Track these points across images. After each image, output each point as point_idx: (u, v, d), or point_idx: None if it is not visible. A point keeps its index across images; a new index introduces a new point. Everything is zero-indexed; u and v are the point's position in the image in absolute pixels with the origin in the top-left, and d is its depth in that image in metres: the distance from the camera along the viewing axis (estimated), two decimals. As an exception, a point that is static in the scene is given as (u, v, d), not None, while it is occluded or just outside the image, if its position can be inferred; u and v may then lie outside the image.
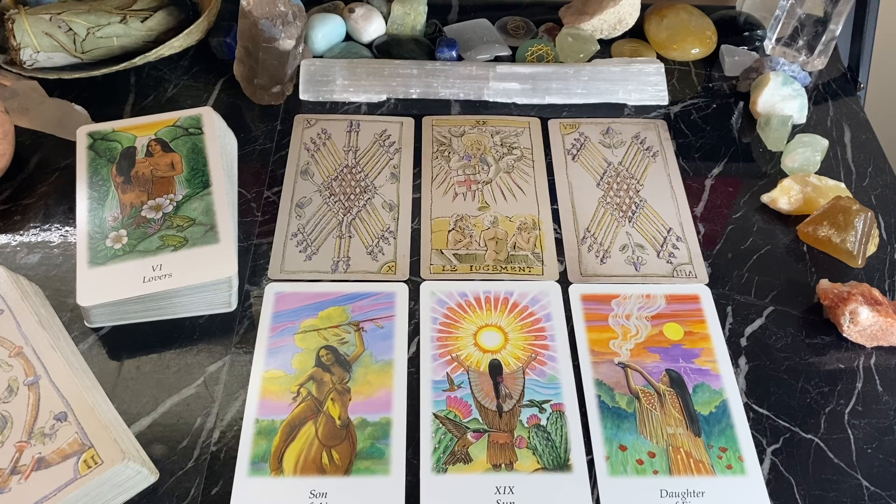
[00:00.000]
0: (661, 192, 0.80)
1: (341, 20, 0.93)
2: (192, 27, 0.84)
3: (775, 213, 0.78)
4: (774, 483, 0.60)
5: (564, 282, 0.72)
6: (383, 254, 0.73)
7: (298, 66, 0.87)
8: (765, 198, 0.79)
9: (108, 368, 0.64)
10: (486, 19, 0.97)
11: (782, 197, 0.77)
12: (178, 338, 0.66)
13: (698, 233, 0.76)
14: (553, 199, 0.79)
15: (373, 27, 0.93)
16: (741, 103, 0.90)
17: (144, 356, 0.65)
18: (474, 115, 0.87)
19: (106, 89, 0.87)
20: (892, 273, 0.74)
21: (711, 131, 0.87)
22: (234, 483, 0.58)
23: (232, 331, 0.67)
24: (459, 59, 0.92)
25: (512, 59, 0.93)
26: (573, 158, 0.83)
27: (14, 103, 0.80)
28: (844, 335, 0.68)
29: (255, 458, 0.59)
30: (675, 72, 0.93)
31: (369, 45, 0.94)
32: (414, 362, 0.66)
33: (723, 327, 0.69)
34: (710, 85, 0.92)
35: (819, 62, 0.92)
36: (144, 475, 0.56)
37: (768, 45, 0.93)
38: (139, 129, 0.73)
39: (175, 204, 0.68)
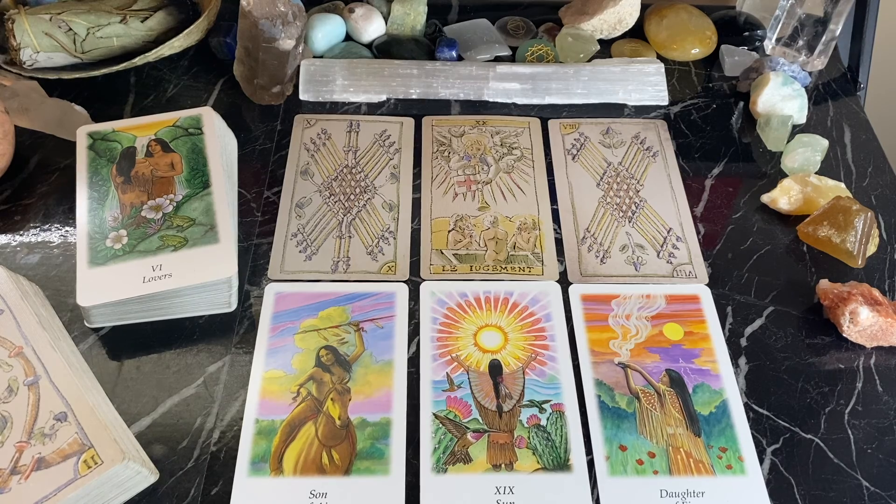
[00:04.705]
0: (661, 192, 0.80)
1: (341, 20, 0.93)
2: (192, 27, 0.84)
3: (775, 213, 0.78)
4: (774, 483, 0.60)
5: (564, 282, 0.72)
6: (383, 254, 0.73)
7: (298, 66, 0.87)
8: (765, 198, 0.79)
9: (108, 368, 0.64)
10: (486, 19, 0.97)
11: (782, 197, 0.77)
12: (178, 338, 0.66)
13: (698, 233, 0.76)
14: (553, 199, 0.79)
15: (373, 27, 0.93)
16: (741, 103, 0.90)
17: (144, 356, 0.65)
18: (474, 115, 0.87)
19: (106, 89, 0.87)
20: (892, 273, 0.74)
21: (711, 131, 0.87)
22: (234, 483, 0.58)
23: (232, 331, 0.67)
24: (459, 59, 0.92)
25: (512, 59, 0.93)
26: (573, 158, 0.83)
27: (14, 103, 0.80)
28: (844, 335, 0.68)
29: (255, 458, 0.59)
30: (675, 72, 0.93)
31: (369, 45, 0.94)
32: (414, 362, 0.66)
33: (723, 327, 0.69)
34: (710, 85, 0.92)
35: (819, 62, 0.92)
36: (144, 475, 0.56)
37: (768, 45, 0.93)
38: (139, 129, 0.73)
39: (175, 204, 0.68)
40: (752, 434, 0.62)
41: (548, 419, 0.62)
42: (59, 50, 0.84)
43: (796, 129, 0.87)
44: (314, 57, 0.91)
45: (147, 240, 0.66)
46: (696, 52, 0.95)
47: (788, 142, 0.83)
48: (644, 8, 0.96)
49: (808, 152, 0.81)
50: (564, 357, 0.66)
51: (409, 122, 0.86)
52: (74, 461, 0.53)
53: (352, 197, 0.78)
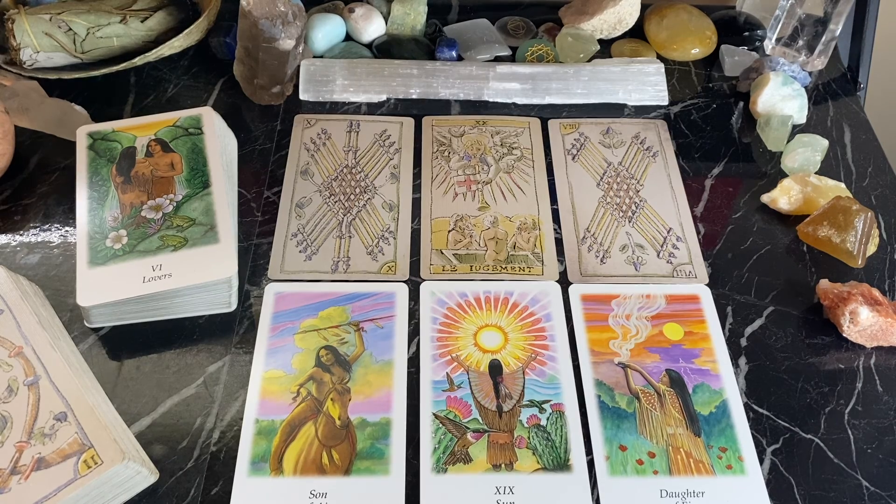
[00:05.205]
0: (661, 192, 0.80)
1: (341, 20, 0.93)
2: (192, 27, 0.84)
3: (775, 213, 0.78)
4: (774, 483, 0.60)
5: (564, 282, 0.72)
6: (383, 254, 0.73)
7: (298, 66, 0.87)
8: (765, 198, 0.79)
9: (108, 368, 0.64)
10: (486, 19, 0.97)
11: (782, 197, 0.77)
12: (178, 338, 0.66)
13: (698, 233, 0.76)
14: (553, 199, 0.79)
15: (373, 27, 0.93)
16: (741, 103, 0.90)
17: (144, 356, 0.65)
18: (474, 115, 0.87)
19: (106, 89, 0.87)
20: (892, 273, 0.74)
21: (711, 131, 0.87)
22: (234, 483, 0.58)
23: (232, 331, 0.67)
24: (459, 59, 0.92)
25: (512, 59, 0.93)
26: (573, 158, 0.83)
27: (14, 103, 0.80)
28: (844, 335, 0.68)
29: (255, 458, 0.59)
30: (675, 72, 0.93)
31: (369, 45, 0.94)
32: (414, 362, 0.66)
33: (723, 327, 0.69)
34: (710, 85, 0.92)
35: (819, 62, 0.92)
36: (144, 475, 0.56)
37: (768, 45, 0.93)
38: (139, 129, 0.73)
39: (175, 204, 0.68)
40: (752, 434, 0.62)
41: (548, 419, 0.62)
42: (59, 50, 0.84)
43: (796, 129, 0.87)
44: (314, 57, 0.91)
45: (147, 240, 0.66)
46: (696, 52, 0.95)
47: (788, 142, 0.83)
48: (644, 8, 0.96)
49: (808, 152, 0.81)
50: (564, 357, 0.66)
51: (409, 122, 0.86)
52: (74, 461, 0.53)
53: (352, 197, 0.78)
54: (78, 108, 0.81)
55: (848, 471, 0.61)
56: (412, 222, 0.76)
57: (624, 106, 0.89)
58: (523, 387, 0.64)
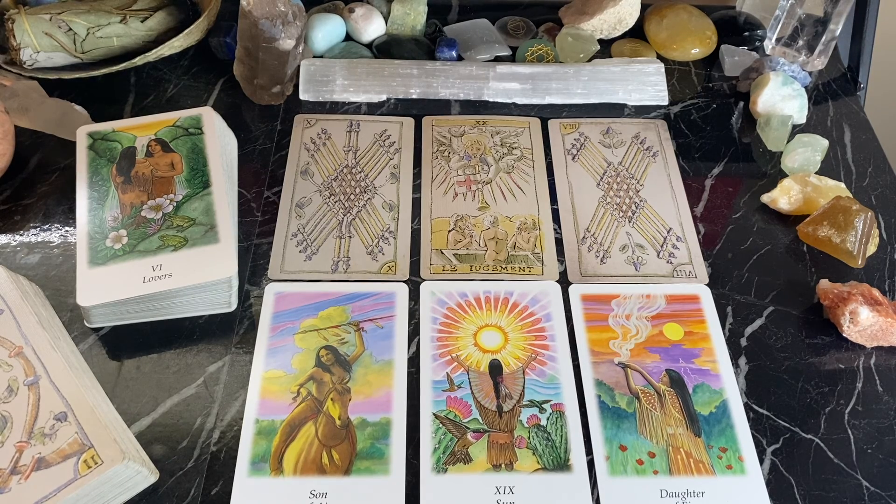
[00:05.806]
0: (661, 192, 0.80)
1: (341, 20, 0.93)
2: (192, 27, 0.84)
3: (775, 213, 0.78)
4: (774, 483, 0.60)
5: (564, 282, 0.72)
6: (383, 254, 0.73)
7: (298, 66, 0.87)
8: (765, 198, 0.79)
9: (108, 368, 0.64)
10: (486, 19, 0.97)
11: (782, 197, 0.77)
12: (178, 338, 0.66)
13: (698, 233, 0.76)
14: (553, 199, 0.79)
15: (373, 27, 0.93)
16: (741, 103, 0.90)
17: (144, 356, 0.65)
18: (474, 115, 0.87)
19: (106, 89, 0.87)
20: (892, 273, 0.74)
21: (711, 131, 0.87)
22: (234, 483, 0.58)
23: (232, 331, 0.67)
24: (459, 59, 0.92)
25: (512, 59, 0.93)
26: (573, 158, 0.83)
27: (14, 103, 0.80)
28: (844, 335, 0.68)
29: (255, 458, 0.59)
30: (675, 72, 0.93)
31: (369, 45, 0.94)
32: (414, 362, 0.66)
33: (723, 327, 0.69)
34: (710, 85, 0.92)
35: (819, 62, 0.92)
36: (144, 475, 0.56)
37: (768, 45, 0.93)
38: (139, 129, 0.73)
39: (175, 204, 0.68)
40: (752, 434, 0.62)
41: (548, 419, 0.62)
42: (59, 50, 0.84)
43: (796, 129, 0.87)
44: (314, 57, 0.91)
45: (147, 240, 0.66)
46: (696, 52, 0.95)
47: (788, 142, 0.83)
48: (644, 8, 0.96)
49: (808, 152, 0.81)
50: (564, 357, 0.66)
51: (409, 122, 0.86)
52: (74, 461, 0.53)
53: (352, 197, 0.78)
54: (78, 108, 0.81)
55: (848, 471, 0.61)
56: (412, 222, 0.76)
57: (624, 106, 0.89)
58: (523, 387, 0.64)
